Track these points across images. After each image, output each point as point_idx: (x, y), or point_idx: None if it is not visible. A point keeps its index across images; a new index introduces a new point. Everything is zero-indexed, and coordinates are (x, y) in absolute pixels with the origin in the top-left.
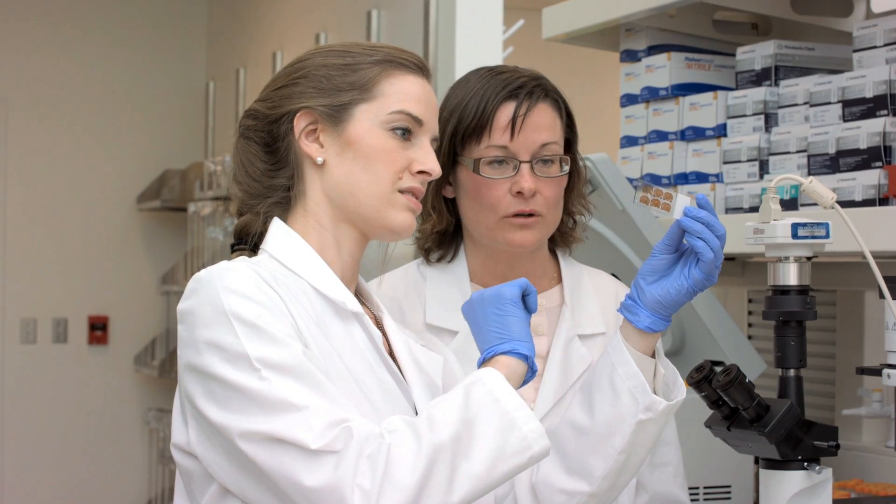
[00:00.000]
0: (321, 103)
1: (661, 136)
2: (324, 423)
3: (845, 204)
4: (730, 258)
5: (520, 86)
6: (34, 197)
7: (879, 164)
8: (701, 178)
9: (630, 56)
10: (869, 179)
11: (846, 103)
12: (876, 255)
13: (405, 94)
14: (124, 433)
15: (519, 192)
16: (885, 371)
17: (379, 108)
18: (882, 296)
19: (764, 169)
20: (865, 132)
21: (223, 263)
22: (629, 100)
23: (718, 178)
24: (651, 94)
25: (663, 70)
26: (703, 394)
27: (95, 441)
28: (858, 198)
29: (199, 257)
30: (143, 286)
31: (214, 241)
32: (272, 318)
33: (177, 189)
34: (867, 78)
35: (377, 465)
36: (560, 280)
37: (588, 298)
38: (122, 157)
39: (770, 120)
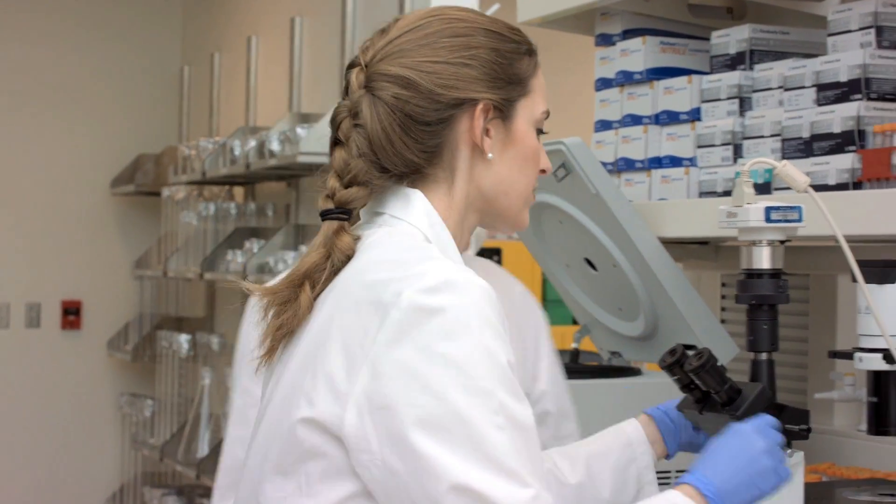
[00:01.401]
0: (499, 96)
1: (635, 119)
2: None
3: (819, 188)
4: (703, 242)
5: None
6: (7, 181)
7: (853, 148)
8: (675, 161)
9: (605, 40)
10: (843, 163)
11: (820, 87)
12: (849, 239)
13: (544, 89)
14: (97, 418)
15: None
16: (857, 355)
17: (533, 107)
18: (855, 280)
19: (738, 153)
20: (839, 116)
21: (474, 279)
22: (604, 84)
23: (692, 161)
24: (626, 78)
25: (638, 54)
26: (675, 377)
27: (68, 426)
28: (832, 182)
29: (172, 242)
30: (116, 271)
31: (188, 226)
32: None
33: (151, 173)
34: (841, 62)
35: None
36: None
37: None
38: (96, 141)
39: (744, 104)
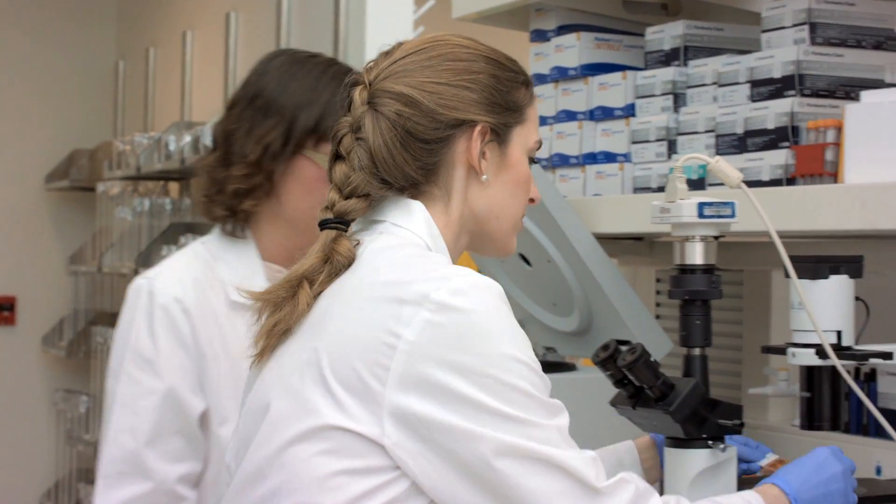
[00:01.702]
0: (496, 120)
1: (569, 115)
2: (599, 470)
3: (753, 184)
4: (638, 238)
5: None
6: None
7: (787, 144)
8: (609, 157)
9: (540, 36)
10: (776, 159)
11: (754, 83)
12: (782, 235)
13: (537, 121)
14: (32, 414)
15: None
16: (791, 350)
17: (527, 135)
18: (788, 275)
19: (672, 149)
20: (773, 112)
21: (492, 283)
22: (538, 79)
23: (626, 157)
24: (560, 74)
25: (573, 50)
26: (609, 372)
27: (2, 422)
28: (766, 178)
29: (107, 237)
30: (51, 266)
31: (123, 221)
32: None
33: (85, 169)
34: (775, 58)
35: None
36: None
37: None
38: (30, 136)
39: (678, 100)
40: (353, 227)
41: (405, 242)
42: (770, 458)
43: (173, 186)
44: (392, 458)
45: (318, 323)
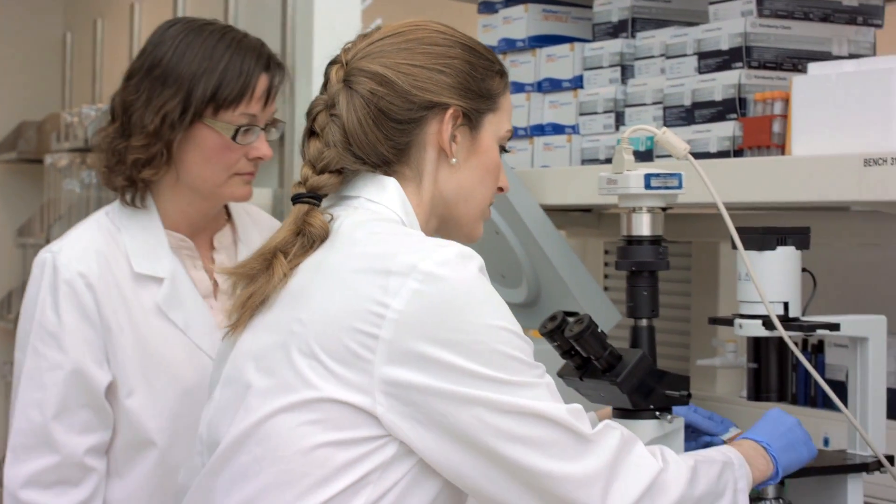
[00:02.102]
0: (468, 105)
1: (518, 87)
2: (586, 420)
3: (700, 156)
4: (586, 209)
5: (269, 56)
6: None
7: (734, 116)
8: (557, 129)
9: (487, 8)
10: (724, 131)
11: (702, 55)
12: (729, 207)
13: (510, 110)
14: None
15: (258, 157)
16: (738, 321)
17: (499, 123)
18: (735, 247)
19: (620, 121)
20: (721, 84)
21: (465, 251)
22: None
23: (574, 129)
24: (508, 46)
25: (520, 22)
26: (556, 343)
27: None
28: (713, 149)
29: (55, 209)
30: None
31: (71, 193)
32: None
33: (33, 140)
34: (723, 30)
35: (644, 479)
36: (229, 219)
37: (254, 233)
38: None
39: (626, 72)
40: (327, 202)
41: (381, 217)
42: (733, 431)
43: None
44: (384, 425)
45: (299, 297)
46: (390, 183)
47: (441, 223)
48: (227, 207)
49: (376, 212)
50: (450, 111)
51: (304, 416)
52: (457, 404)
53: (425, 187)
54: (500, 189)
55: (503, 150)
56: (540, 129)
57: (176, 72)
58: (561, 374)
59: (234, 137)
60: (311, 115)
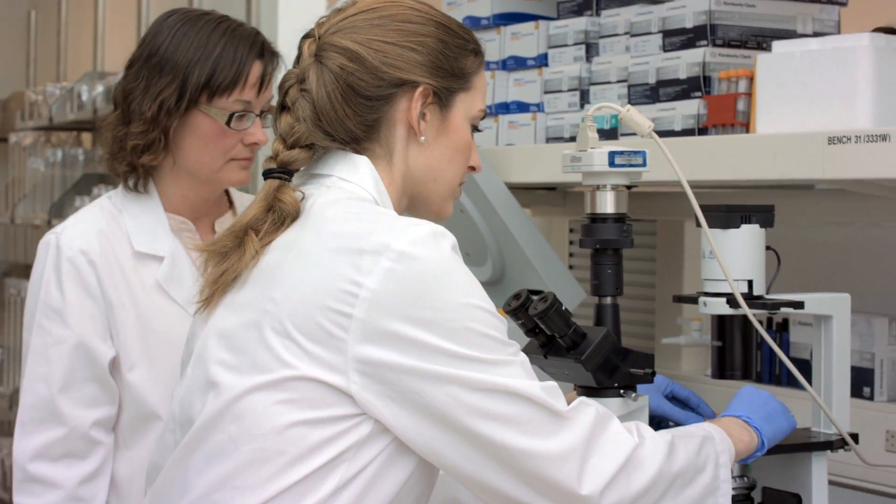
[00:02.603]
0: (439, 84)
1: None
2: (560, 397)
3: (665, 134)
4: (551, 188)
5: (263, 44)
6: None
7: (699, 94)
8: (522, 107)
9: None
10: (688, 109)
11: (666, 33)
12: (694, 185)
13: (485, 90)
14: None
15: (254, 143)
16: (702, 299)
17: (472, 103)
18: (699, 225)
19: (585, 99)
20: (685, 62)
21: (438, 230)
22: None
23: (539, 107)
24: (473, 24)
25: (485, 0)
26: (520, 321)
27: None
28: (678, 128)
29: (20, 188)
30: None
31: (36, 172)
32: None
33: None
34: (687, 8)
35: (619, 455)
36: (231, 206)
37: None
38: None
39: (591, 50)
40: (298, 180)
41: (354, 196)
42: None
43: (86, 137)
44: (359, 403)
45: (272, 275)
46: (362, 161)
47: (411, 201)
48: (229, 194)
49: (349, 191)
50: (419, 89)
51: (278, 395)
52: (431, 382)
53: (396, 165)
54: (473, 168)
55: (475, 129)
56: (505, 107)
57: (172, 60)
58: (525, 352)
59: (228, 123)
60: (283, 89)
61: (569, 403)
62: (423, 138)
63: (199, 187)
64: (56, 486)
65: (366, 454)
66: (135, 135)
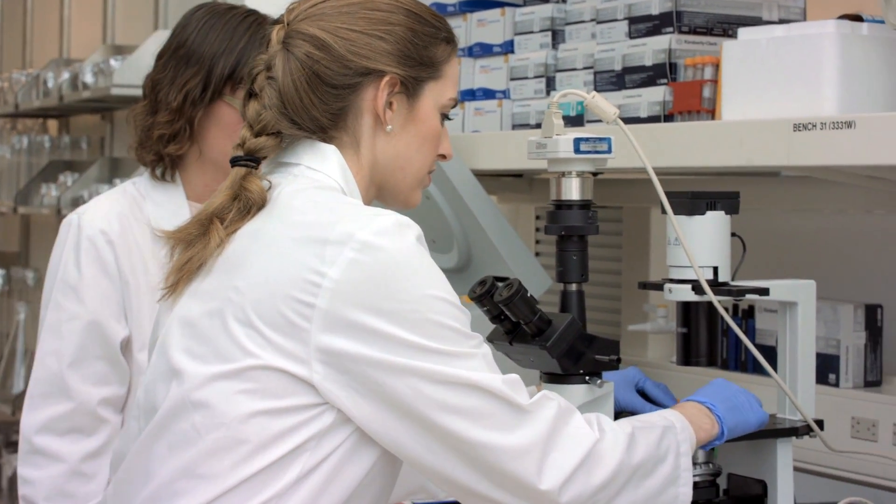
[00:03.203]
0: (406, 73)
1: None
2: (522, 390)
3: (631, 120)
4: (517, 175)
5: None
6: None
7: (664, 81)
8: (488, 94)
9: None
10: (654, 96)
11: (632, 20)
12: (660, 172)
13: (456, 78)
14: None
15: None
16: (667, 286)
17: (441, 90)
18: (664, 211)
19: (551, 85)
20: (651, 49)
21: (404, 220)
22: None
23: (505, 94)
24: (439, 11)
25: None
26: (485, 308)
27: None
28: (644, 114)
29: None
30: None
31: (1, 159)
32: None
33: None
34: None
35: (580, 450)
36: None
37: None
38: None
39: (557, 37)
40: (267, 168)
41: (322, 186)
42: None
43: (52, 124)
44: (321, 393)
45: (236, 264)
46: (330, 151)
47: (379, 190)
48: None
49: (316, 180)
50: (386, 78)
51: (240, 385)
52: (393, 374)
53: (363, 154)
54: (443, 157)
55: (446, 117)
56: (471, 94)
57: (199, 52)
58: (490, 339)
59: None
60: (251, 76)
61: (533, 396)
62: (389, 127)
63: (224, 177)
64: (60, 459)
65: (328, 444)
66: (161, 124)
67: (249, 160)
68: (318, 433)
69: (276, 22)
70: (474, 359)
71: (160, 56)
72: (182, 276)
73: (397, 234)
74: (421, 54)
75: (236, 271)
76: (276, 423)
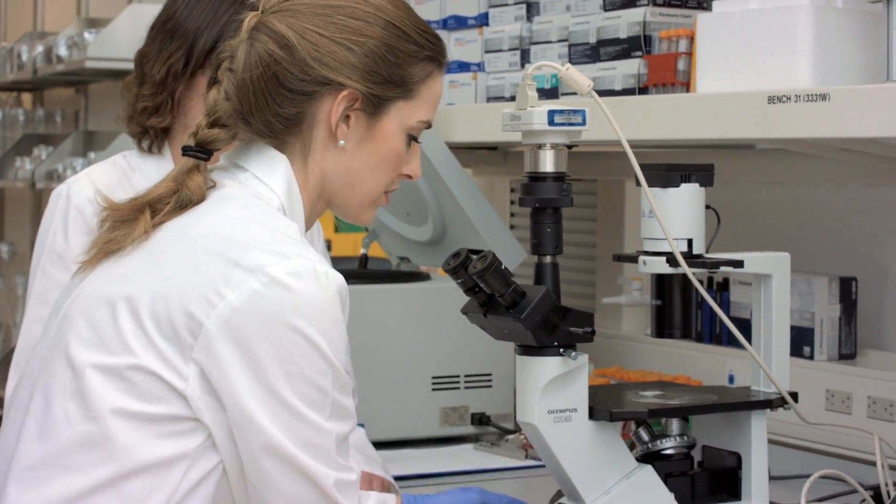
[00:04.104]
0: (369, 90)
1: None
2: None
3: (605, 93)
4: (492, 147)
5: None
6: None
7: (639, 53)
8: (463, 67)
9: None
10: (629, 69)
11: None
12: (634, 144)
13: (434, 99)
14: None
15: None
16: (642, 258)
17: (411, 112)
18: (639, 184)
19: (525, 58)
20: (626, 22)
21: (335, 275)
22: None
23: (480, 67)
24: None
25: None
26: (460, 280)
27: None
28: (618, 87)
29: None
30: None
31: None
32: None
33: None
34: None
35: None
36: None
37: None
38: None
39: (532, 9)
40: (224, 161)
41: (261, 199)
42: None
43: (26, 97)
44: (193, 409)
45: (150, 259)
46: (280, 161)
47: (328, 204)
48: None
49: (259, 193)
50: (344, 92)
51: (117, 380)
52: (245, 421)
53: (311, 166)
54: (409, 176)
55: (414, 139)
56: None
57: (184, 26)
58: (465, 311)
59: None
60: (218, 62)
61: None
62: (341, 142)
63: None
64: None
65: (201, 466)
66: (145, 97)
67: (199, 152)
68: (192, 452)
69: (252, 7)
70: (326, 435)
71: (151, 28)
72: (99, 254)
73: (309, 279)
74: (391, 72)
75: (147, 267)
76: (145, 428)
